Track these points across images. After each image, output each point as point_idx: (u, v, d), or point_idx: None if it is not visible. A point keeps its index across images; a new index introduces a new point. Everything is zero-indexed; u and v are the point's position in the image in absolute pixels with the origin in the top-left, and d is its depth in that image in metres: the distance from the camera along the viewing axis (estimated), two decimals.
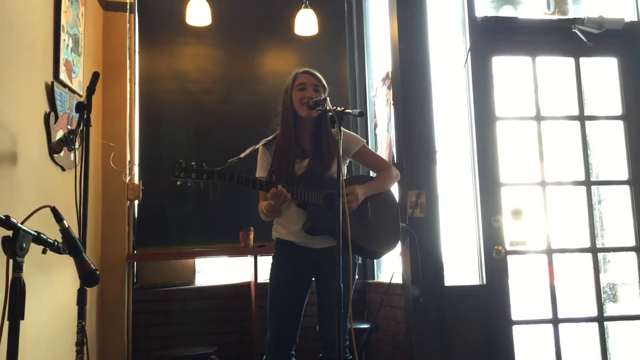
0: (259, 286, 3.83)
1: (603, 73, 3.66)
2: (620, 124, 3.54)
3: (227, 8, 4.50)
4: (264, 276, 3.50)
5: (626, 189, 3.48)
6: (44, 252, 1.61)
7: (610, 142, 3.64)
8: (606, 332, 3.33)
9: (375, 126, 4.07)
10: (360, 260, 2.94)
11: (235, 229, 4.02)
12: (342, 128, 2.43)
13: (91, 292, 3.57)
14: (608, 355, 3.31)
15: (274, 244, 2.83)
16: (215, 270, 4.46)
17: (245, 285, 4.13)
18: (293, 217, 2.71)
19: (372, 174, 3.08)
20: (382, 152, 3.77)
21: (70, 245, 1.66)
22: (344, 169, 2.90)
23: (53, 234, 1.71)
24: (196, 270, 4.24)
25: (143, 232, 4.13)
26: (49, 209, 1.68)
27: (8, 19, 2.47)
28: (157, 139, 4.29)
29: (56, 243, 1.64)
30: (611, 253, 3.72)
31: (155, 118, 4.30)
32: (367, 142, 2.95)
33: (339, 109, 2.31)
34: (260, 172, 2.80)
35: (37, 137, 2.78)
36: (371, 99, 4.35)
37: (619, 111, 3.55)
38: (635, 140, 3.50)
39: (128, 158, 4.00)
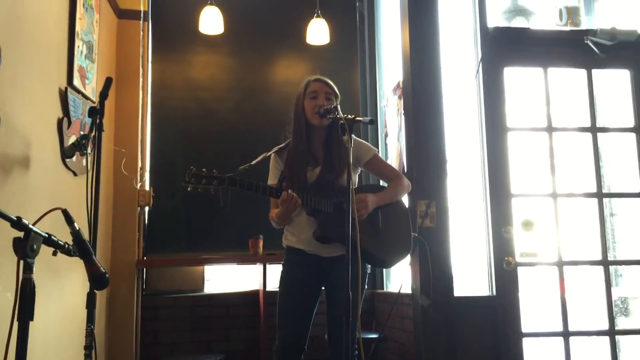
0: (268, 294, 3.83)
1: (615, 85, 3.64)
2: (632, 136, 3.52)
3: (239, 17, 4.53)
4: (273, 284, 3.50)
5: (638, 201, 3.45)
6: (54, 254, 1.62)
7: (622, 154, 3.62)
8: (617, 346, 3.29)
9: (386, 135, 4.07)
10: (369, 269, 2.93)
11: (245, 236, 4.03)
12: (354, 137, 2.43)
13: (100, 298, 3.58)
14: None
15: (284, 251, 2.82)
16: (224, 279, 4.46)
17: (254, 293, 4.12)
18: (303, 225, 2.70)
19: (382, 183, 3.08)
20: (393, 161, 3.77)
21: (80, 248, 1.67)
22: (355, 178, 2.89)
23: (64, 237, 1.72)
24: (205, 279, 4.24)
25: (153, 238, 4.15)
26: (60, 211, 1.69)
27: (23, 24, 2.50)
28: (168, 146, 4.31)
29: (67, 245, 1.65)
30: (623, 266, 3.68)
31: (166, 125, 4.33)
32: (378, 152, 2.94)
33: (349, 116, 2.32)
34: (272, 180, 2.80)
35: (50, 142, 2.80)
36: (382, 109, 4.36)
37: (631, 123, 3.52)
38: None
39: (139, 164, 4.02)
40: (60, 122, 2.88)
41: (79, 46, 3.14)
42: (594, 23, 3.75)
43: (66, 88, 2.97)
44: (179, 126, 4.37)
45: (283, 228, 2.82)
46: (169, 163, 4.27)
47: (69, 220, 1.69)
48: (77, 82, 3.10)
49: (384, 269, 4.31)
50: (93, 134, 2.36)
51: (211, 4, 4.23)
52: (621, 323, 3.51)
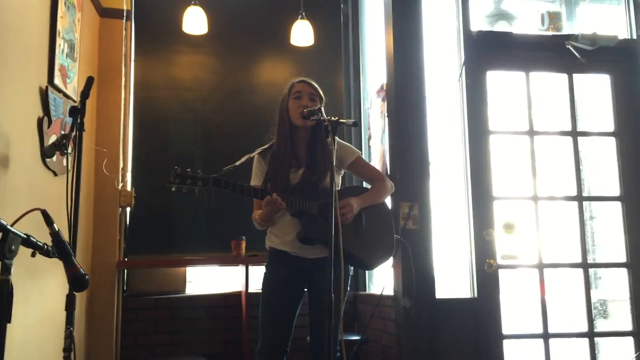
0: (250, 296, 3.81)
1: (596, 89, 3.69)
2: (612, 140, 3.56)
3: (223, 17, 4.52)
4: (255, 286, 3.49)
5: (618, 205, 3.49)
6: (33, 255, 1.60)
7: (602, 158, 3.66)
8: (596, 347, 3.33)
9: (370, 138, 4.08)
10: (352, 271, 2.93)
11: (227, 238, 4.01)
12: (337, 139, 2.43)
13: (80, 299, 3.54)
14: None
15: (267, 253, 2.82)
16: (207, 280, 4.43)
17: (236, 295, 4.10)
18: (287, 227, 2.70)
19: (366, 184, 3.08)
20: (376, 163, 3.78)
21: (59, 249, 1.65)
22: (339, 180, 2.89)
23: (43, 238, 1.70)
24: (187, 280, 4.21)
25: (134, 239, 4.11)
26: (39, 212, 1.67)
27: (3, 22, 2.47)
28: (151, 147, 4.28)
29: (46, 246, 1.63)
30: (602, 269, 3.73)
31: (149, 125, 4.29)
32: (361, 154, 2.95)
33: (333, 118, 2.32)
34: (256, 181, 2.79)
35: (29, 142, 2.77)
36: (366, 111, 4.37)
37: (611, 128, 3.57)
38: (626, 157, 3.52)
39: (121, 165, 3.98)
40: (40, 122, 2.85)
41: (60, 45, 3.11)
42: (575, 28, 3.80)
43: (47, 87, 2.94)
44: (162, 126, 4.34)
45: (266, 229, 2.82)
46: (151, 163, 4.23)
47: (49, 221, 1.67)
48: (58, 81, 3.06)
49: (367, 271, 4.32)
50: (74, 133, 2.33)
51: (195, 4, 4.21)
52: (600, 325, 3.56)
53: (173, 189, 2.42)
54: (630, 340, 3.36)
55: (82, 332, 3.62)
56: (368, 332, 3.75)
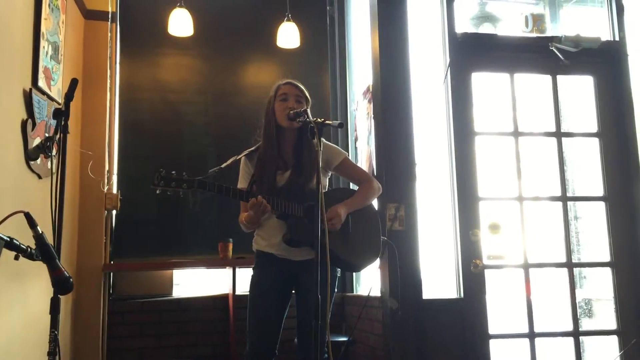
0: (237, 298, 3.80)
1: (580, 91, 3.73)
2: (595, 141, 3.60)
3: (209, 19, 4.50)
4: (243, 288, 3.48)
5: (601, 205, 3.53)
6: (16, 258, 1.58)
7: (586, 158, 3.70)
8: (582, 346, 3.36)
9: (356, 139, 4.09)
10: (339, 273, 2.94)
11: (214, 240, 4.00)
12: (324, 141, 2.43)
13: (66, 303, 3.51)
14: None
15: (254, 255, 2.81)
16: (194, 283, 4.41)
17: (224, 297, 4.09)
18: (274, 229, 2.69)
19: (352, 186, 3.08)
20: (363, 165, 3.78)
21: (43, 252, 1.63)
22: (326, 182, 2.89)
23: (27, 241, 1.69)
24: (174, 283, 4.19)
25: (120, 242, 4.08)
26: (22, 215, 1.66)
27: None
28: (136, 149, 4.25)
29: (29, 249, 1.62)
30: (587, 269, 3.77)
31: (135, 128, 4.27)
32: (348, 155, 2.95)
33: (319, 120, 2.32)
34: (242, 183, 2.79)
35: (13, 144, 2.74)
36: (352, 113, 4.37)
37: (594, 128, 3.61)
38: (610, 158, 3.56)
39: (107, 167, 3.96)
40: (24, 124, 2.82)
41: (44, 47, 3.09)
42: (559, 30, 3.84)
43: (30, 89, 2.91)
44: (148, 128, 4.32)
45: (253, 232, 2.81)
46: (137, 166, 4.21)
47: (32, 223, 1.65)
48: (42, 83, 3.04)
49: (355, 272, 4.32)
50: (58, 136, 2.31)
51: (181, 5, 4.20)
52: (585, 324, 3.59)
53: (158, 191, 2.41)
54: (614, 338, 3.39)
55: (67, 336, 3.59)
56: (355, 333, 3.75)
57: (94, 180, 3.83)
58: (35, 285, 2.93)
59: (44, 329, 1.97)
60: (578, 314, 3.39)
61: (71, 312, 3.66)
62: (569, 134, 3.62)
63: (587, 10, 3.99)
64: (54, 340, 1.89)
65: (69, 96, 2.18)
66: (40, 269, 1.83)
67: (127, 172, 4.17)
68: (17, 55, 2.82)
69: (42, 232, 1.66)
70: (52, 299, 1.89)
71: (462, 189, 3.35)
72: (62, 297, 2.06)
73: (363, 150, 3.86)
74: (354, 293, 4.29)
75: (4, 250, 1.55)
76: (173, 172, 2.43)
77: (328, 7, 4.82)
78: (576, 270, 3.55)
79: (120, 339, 3.92)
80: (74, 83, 2.20)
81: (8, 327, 2.59)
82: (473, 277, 3.27)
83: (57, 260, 1.67)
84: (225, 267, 4.05)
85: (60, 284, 1.66)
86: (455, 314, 3.24)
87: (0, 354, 2.47)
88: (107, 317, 3.87)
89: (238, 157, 2.80)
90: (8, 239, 1.54)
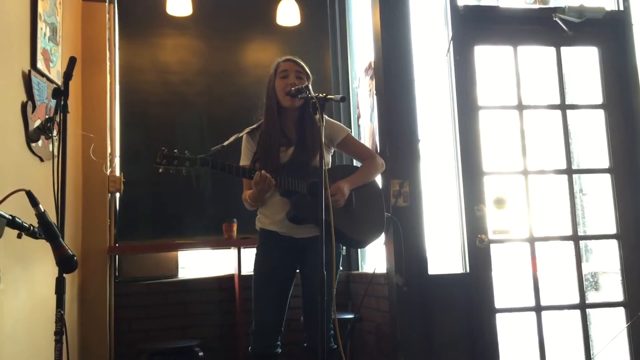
0: (243, 278, 3.80)
1: (584, 62, 3.68)
2: (601, 112, 3.56)
3: None
4: (248, 268, 3.47)
5: (607, 177, 3.50)
6: (19, 236, 1.57)
7: (591, 130, 3.66)
8: (588, 319, 3.35)
9: (359, 117, 4.06)
10: (344, 250, 2.93)
11: (219, 221, 4.00)
12: (326, 117, 2.40)
13: (72, 286, 3.52)
14: (590, 342, 3.33)
15: (258, 234, 2.80)
16: (199, 264, 4.42)
17: (229, 278, 4.09)
18: (277, 207, 2.69)
19: (356, 162, 3.07)
20: (366, 142, 3.76)
21: (46, 230, 1.62)
22: (329, 158, 2.88)
23: (30, 221, 1.67)
24: (179, 266, 4.19)
25: (125, 225, 4.08)
26: (24, 194, 1.64)
27: None
28: (138, 131, 4.24)
29: (32, 227, 1.61)
30: (593, 242, 3.75)
31: (136, 109, 4.25)
32: (351, 132, 2.93)
33: (321, 95, 2.30)
34: (244, 161, 2.77)
35: (14, 127, 2.72)
36: (354, 90, 4.34)
37: (599, 100, 3.57)
38: (615, 129, 3.52)
39: (109, 150, 3.94)
40: (24, 106, 2.80)
41: (42, 28, 3.05)
42: (563, 0, 3.77)
43: (29, 71, 2.89)
44: (149, 110, 4.29)
45: (257, 210, 2.80)
46: (139, 147, 4.20)
47: (34, 202, 1.64)
48: (41, 65, 3.01)
49: (359, 250, 4.32)
50: (58, 116, 2.28)
51: None
52: (591, 297, 3.58)
53: (160, 170, 2.40)
54: (621, 310, 3.39)
55: (74, 319, 3.60)
56: (362, 310, 3.76)
57: (96, 162, 3.82)
58: (40, 267, 2.92)
59: (51, 311, 1.97)
60: (585, 287, 3.38)
61: (78, 295, 3.67)
62: (573, 106, 3.58)
63: None
64: (60, 320, 1.89)
65: (67, 74, 2.15)
66: (44, 251, 1.82)
67: (130, 154, 4.16)
68: (15, 37, 2.79)
69: (44, 210, 1.65)
70: (57, 279, 1.88)
71: (467, 163, 3.32)
72: (67, 281, 2.06)
73: (366, 127, 3.83)
74: (360, 271, 4.29)
75: (7, 230, 1.54)
76: (175, 150, 2.41)
77: None
78: (582, 243, 3.53)
79: (127, 321, 3.93)
80: (72, 61, 2.17)
81: (15, 309, 2.59)
82: (479, 251, 3.26)
83: (60, 239, 1.66)
84: (230, 248, 4.05)
85: (64, 261, 1.65)
86: (461, 289, 3.23)
87: (7, 336, 2.48)
88: (114, 300, 3.88)
89: (240, 135, 2.78)
90: (10, 217, 1.53)
